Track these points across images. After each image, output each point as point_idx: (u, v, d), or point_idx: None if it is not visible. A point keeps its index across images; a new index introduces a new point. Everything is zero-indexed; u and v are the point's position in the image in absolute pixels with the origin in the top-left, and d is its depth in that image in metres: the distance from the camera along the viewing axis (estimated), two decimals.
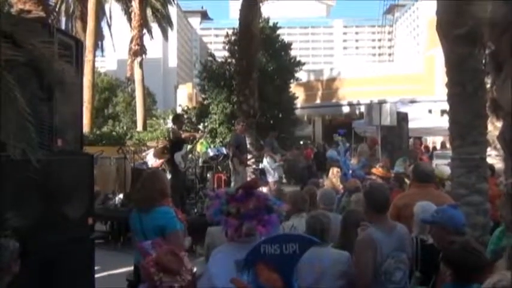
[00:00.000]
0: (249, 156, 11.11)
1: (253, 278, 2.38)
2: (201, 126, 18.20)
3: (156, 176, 4.00)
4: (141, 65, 27.11)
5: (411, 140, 14.18)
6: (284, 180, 16.44)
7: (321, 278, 3.29)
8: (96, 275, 5.06)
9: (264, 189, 9.65)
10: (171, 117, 25.74)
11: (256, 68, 13.37)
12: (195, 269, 4.12)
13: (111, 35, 29.21)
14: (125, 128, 25.88)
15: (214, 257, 2.78)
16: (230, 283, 2.37)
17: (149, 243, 2.51)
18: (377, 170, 7.42)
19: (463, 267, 2.71)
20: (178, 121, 9.89)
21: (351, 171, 7.25)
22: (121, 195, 9.71)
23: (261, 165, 12.19)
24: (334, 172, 7.42)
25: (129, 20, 27.29)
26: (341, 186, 6.97)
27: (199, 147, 12.63)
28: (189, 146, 10.43)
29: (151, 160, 10.35)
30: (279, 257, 2.40)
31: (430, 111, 21.01)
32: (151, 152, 10.82)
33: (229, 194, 2.72)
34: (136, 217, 3.78)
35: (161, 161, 10.22)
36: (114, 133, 19.43)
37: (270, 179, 11.54)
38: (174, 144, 9.35)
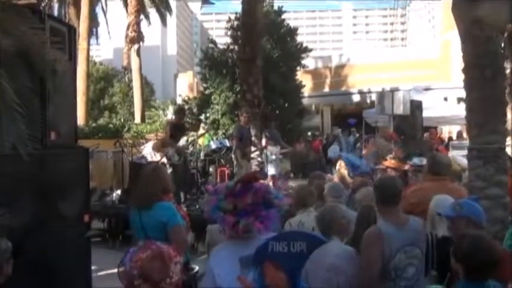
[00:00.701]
0: (253, 149, 11.09)
1: (259, 276, 2.39)
2: (202, 117, 18.18)
3: (157, 173, 4.02)
4: (138, 53, 27.04)
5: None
6: (291, 175, 16.45)
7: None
8: (93, 275, 5.09)
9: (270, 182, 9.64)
10: (170, 108, 25.80)
11: (260, 55, 13.33)
12: (197, 268, 4.15)
13: (106, 22, 29.13)
14: (122, 119, 25.88)
15: (216, 255, 2.79)
16: (235, 282, 2.38)
17: (137, 246, 2.41)
18: (389, 162, 7.40)
19: (473, 263, 2.68)
20: (178, 115, 9.89)
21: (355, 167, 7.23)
22: (119, 191, 9.72)
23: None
24: (341, 164, 7.43)
25: (125, 5, 27.19)
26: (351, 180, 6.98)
27: (201, 140, 12.65)
28: (190, 138, 10.44)
29: (149, 154, 10.36)
30: (286, 256, 2.43)
31: (445, 99, 20.88)
32: (149, 145, 10.82)
33: (228, 189, 2.71)
34: (136, 214, 3.80)
35: (161, 155, 10.23)
36: (110, 125, 19.48)
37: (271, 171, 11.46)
38: (174, 135, 9.40)
